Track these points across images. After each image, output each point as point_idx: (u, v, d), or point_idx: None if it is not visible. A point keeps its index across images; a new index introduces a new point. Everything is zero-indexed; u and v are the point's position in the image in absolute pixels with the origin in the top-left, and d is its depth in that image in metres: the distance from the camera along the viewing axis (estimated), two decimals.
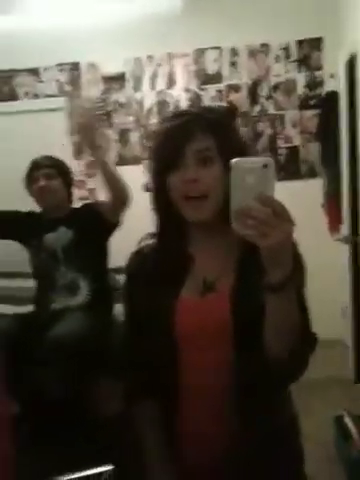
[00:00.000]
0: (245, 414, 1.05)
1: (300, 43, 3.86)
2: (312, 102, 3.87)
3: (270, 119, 3.93)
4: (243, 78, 3.94)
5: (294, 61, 3.87)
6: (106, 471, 1.23)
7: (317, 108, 3.83)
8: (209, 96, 3.95)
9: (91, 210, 2.43)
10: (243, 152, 1.07)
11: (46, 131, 3.92)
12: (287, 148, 3.93)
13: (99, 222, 2.34)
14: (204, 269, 1.09)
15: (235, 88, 3.95)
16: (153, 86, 4.00)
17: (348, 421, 2.52)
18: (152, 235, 1.15)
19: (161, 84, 4.00)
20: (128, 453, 1.20)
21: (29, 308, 2.56)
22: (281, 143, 3.93)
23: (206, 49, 3.94)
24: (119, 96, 4.05)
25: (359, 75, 3.01)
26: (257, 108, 3.93)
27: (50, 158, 2.46)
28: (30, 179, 2.43)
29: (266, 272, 0.88)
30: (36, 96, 4.10)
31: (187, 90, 3.98)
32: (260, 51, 3.90)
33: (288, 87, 3.90)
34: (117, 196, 2.29)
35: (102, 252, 2.46)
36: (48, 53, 3.95)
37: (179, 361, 1.07)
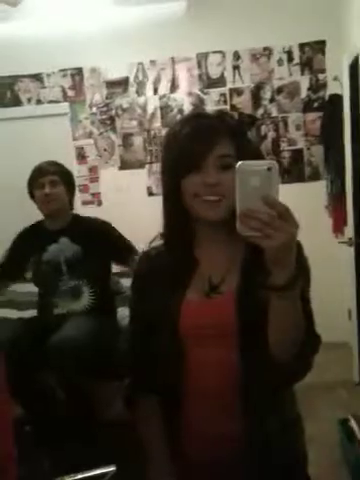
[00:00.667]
0: (249, 414, 1.05)
1: (303, 46, 3.86)
2: (315, 105, 3.87)
3: (273, 122, 3.93)
4: (246, 82, 3.94)
5: (297, 64, 3.87)
6: (109, 472, 1.23)
7: (320, 111, 3.82)
8: (212, 100, 3.96)
9: (98, 229, 2.42)
10: (259, 158, 1.09)
11: (49, 136, 3.93)
12: (291, 151, 3.92)
13: (106, 242, 2.35)
14: (210, 270, 1.10)
15: (238, 92, 3.95)
16: (156, 90, 4.02)
17: (353, 424, 2.50)
18: (161, 235, 1.16)
19: (164, 88, 4.01)
20: (130, 454, 1.20)
21: (32, 312, 2.57)
22: (285, 146, 3.93)
23: (209, 53, 3.95)
24: (122, 101, 4.06)
25: None
26: (260, 111, 3.94)
27: (55, 164, 2.46)
28: (34, 185, 2.42)
29: (270, 273, 0.89)
30: (39, 102, 4.11)
31: (190, 94, 3.98)
32: (263, 54, 3.91)
33: (291, 90, 3.90)
34: None
35: (106, 261, 2.46)
36: (51, 59, 3.97)
37: (184, 361, 1.08)
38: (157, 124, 4.00)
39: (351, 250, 3.30)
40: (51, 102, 4.10)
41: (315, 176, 3.89)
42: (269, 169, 0.86)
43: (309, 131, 3.89)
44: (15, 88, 4.11)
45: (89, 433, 1.97)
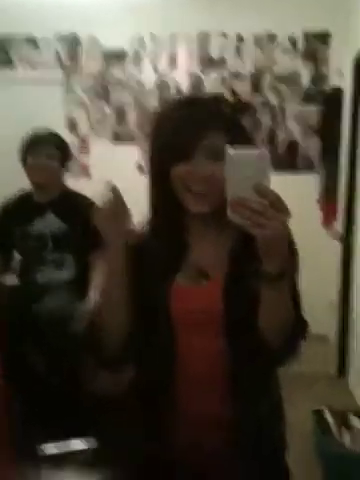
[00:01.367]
0: (237, 399, 1.06)
1: (307, 36, 3.83)
2: (315, 97, 3.84)
3: (271, 110, 3.90)
4: (247, 66, 3.89)
5: (300, 54, 3.84)
6: (88, 443, 1.22)
7: (320, 103, 3.81)
8: (211, 81, 3.89)
9: (86, 210, 2.34)
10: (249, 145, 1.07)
11: (41, 103, 3.81)
12: (286, 141, 3.90)
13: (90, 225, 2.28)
14: (199, 257, 1.09)
15: (238, 76, 3.90)
16: (155, 67, 3.93)
17: (327, 415, 2.52)
18: (147, 222, 1.13)
19: (163, 65, 3.92)
20: (112, 429, 1.23)
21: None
22: (281, 135, 3.90)
23: (211, 33, 3.87)
24: (119, 73, 3.95)
25: None
26: (259, 98, 3.89)
27: (53, 134, 2.36)
28: (29, 152, 2.31)
29: (261, 262, 0.89)
30: (32, 66, 3.97)
31: (189, 73, 3.91)
32: (266, 40, 3.86)
33: (292, 80, 3.86)
34: None
35: (92, 235, 2.40)
36: (47, 23, 3.84)
37: (173, 346, 1.07)
38: (153, 101, 3.92)
39: (338, 244, 3.32)
40: (45, 67, 3.95)
41: (309, 168, 3.88)
42: (260, 157, 0.85)
43: (307, 122, 3.88)
44: (8, 50, 3.95)
45: (74, 405, 1.94)
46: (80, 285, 2.31)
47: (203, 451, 1.08)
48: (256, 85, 3.89)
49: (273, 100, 3.89)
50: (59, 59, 3.97)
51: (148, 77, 3.93)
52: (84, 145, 3.93)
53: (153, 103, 3.91)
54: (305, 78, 3.86)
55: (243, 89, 3.88)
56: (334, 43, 3.77)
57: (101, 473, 1.17)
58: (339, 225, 3.36)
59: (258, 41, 3.86)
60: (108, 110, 3.97)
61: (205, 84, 3.90)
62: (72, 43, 3.95)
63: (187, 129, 1.01)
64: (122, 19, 3.83)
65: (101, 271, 2.27)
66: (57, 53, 3.95)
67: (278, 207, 0.84)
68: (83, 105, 3.97)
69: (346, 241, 3.24)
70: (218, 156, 0.98)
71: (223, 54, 3.89)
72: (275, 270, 0.88)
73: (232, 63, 3.89)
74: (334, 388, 3.13)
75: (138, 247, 1.11)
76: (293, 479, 1.20)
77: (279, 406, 1.17)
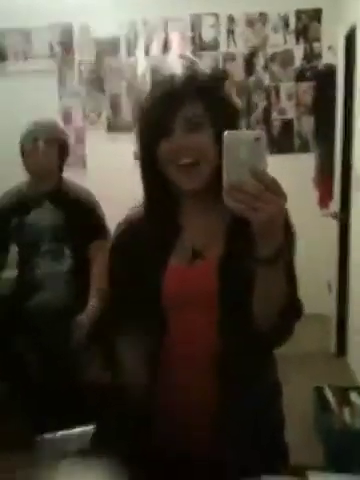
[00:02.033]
0: (230, 379, 1.05)
1: (299, 14, 3.77)
2: (308, 74, 3.80)
3: (265, 90, 3.86)
4: (240, 47, 3.85)
5: (292, 32, 3.79)
6: (88, 429, 1.25)
7: (314, 81, 3.77)
8: (204, 64, 3.86)
9: (82, 204, 2.37)
10: (234, 118, 1.07)
11: (35, 94, 3.82)
12: (281, 120, 3.87)
13: (86, 219, 2.31)
14: (193, 237, 1.08)
15: (231, 57, 3.86)
16: (147, 52, 3.91)
17: (328, 393, 2.55)
18: (141, 204, 1.14)
19: (155, 50, 3.90)
20: (112, 416, 1.20)
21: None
22: (275, 115, 3.87)
23: (202, 15, 3.83)
24: (112, 60, 3.94)
25: (358, 49, 2.95)
26: (252, 79, 3.86)
27: (52, 125, 2.39)
28: (28, 139, 2.34)
29: (256, 245, 0.88)
30: (26, 57, 3.97)
31: (182, 57, 3.88)
32: (258, 20, 3.81)
33: (285, 58, 3.82)
34: None
35: (90, 226, 2.43)
36: (40, 12, 3.83)
37: (166, 328, 1.07)
38: (147, 87, 3.91)
39: (335, 223, 3.32)
40: (38, 58, 3.96)
41: (304, 148, 3.85)
42: (257, 139, 0.83)
43: (301, 101, 3.84)
44: (1, 42, 3.95)
45: (67, 396, 1.98)
46: (78, 276, 2.35)
47: (194, 434, 1.08)
48: (249, 65, 3.86)
49: (267, 80, 3.86)
50: (51, 49, 3.97)
51: (141, 62, 3.92)
52: (79, 136, 3.95)
53: (147, 88, 3.90)
54: (298, 56, 3.81)
55: (237, 70, 3.85)
56: (326, 20, 3.72)
57: (100, 459, 1.19)
58: (335, 204, 3.35)
59: (250, 21, 3.82)
60: (103, 100, 3.97)
61: (199, 67, 3.88)
62: (64, 33, 3.95)
63: (163, 104, 1.02)
64: (113, 6, 3.81)
65: (100, 262, 2.29)
66: (49, 44, 3.95)
67: (274, 191, 0.83)
68: (77, 95, 3.98)
69: (342, 220, 3.23)
70: (197, 127, 1.00)
71: (215, 36, 3.86)
72: (270, 253, 0.88)
73: (224, 44, 3.86)
74: (334, 366, 3.16)
75: (132, 231, 1.13)
76: (294, 457, 1.20)
77: (276, 385, 1.17)
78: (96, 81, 3.97)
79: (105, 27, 3.89)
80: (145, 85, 3.90)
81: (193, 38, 3.88)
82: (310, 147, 3.81)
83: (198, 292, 1.05)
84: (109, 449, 1.16)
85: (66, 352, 2.20)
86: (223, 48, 3.86)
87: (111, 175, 3.73)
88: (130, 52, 3.92)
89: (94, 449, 1.29)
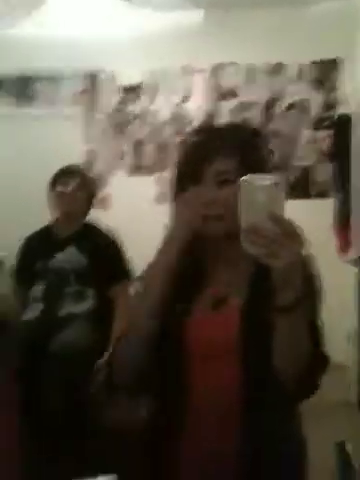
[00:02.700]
0: (253, 432, 1.03)
1: (317, 63, 3.87)
2: (326, 123, 3.87)
3: (283, 138, 3.93)
4: (258, 96, 3.94)
5: (309, 81, 3.88)
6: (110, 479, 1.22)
7: (330, 129, 3.82)
8: (224, 112, 3.96)
9: (106, 246, 2.42)
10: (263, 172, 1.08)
11: (60, 138, 3.93)
12: (299, 167, 3.92)
13: (110, 261, 2.34)
14: (216, 284, 1.09)
15: (250, 105, 3.95)
16: (169, 99, 4.02)
17: (349, 448, 2.47)
18: None
19: (177, 97, 4.01)
20: (129, 463, 1.18)
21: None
22: (293, 162, 3.92)
23: (224, 64, 3.95)
24: (135, 107, 4.06)
25: None
26: (271, 126, 3.94)
27: (82, 169, 2.48)
28: (58, 181, 2.41)
29: (276, 292, 0.87)
30: (53, 103, 4.11)
31: (202, 105, 3.99)
32: (276, 69, 3.92)
33: (302, 107, 3.90)
34: None
35: (113, 269, 2.46)
36: (67, 61, 3.97)
37: (188, 378, 1.06)
38: (168, 133, 4.01)
39: (355, 271, 3.29)
40: (64, 104, 4.09)
41: (322, 193, 3.88)
42: (275, 184, 0.84)
43: (319, 149, 3.89)
44: (30, 88, 4.11)
45: (86, 441, 1.96)
46: (101, 317, 2.36)
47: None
48: (267, 114, 3.94)
49: (284, 128, 3.93)
50: (77, 95, 4.11)
51: (163, 109, 4.03)
52: (102, 179, 4.04)
53: (169, 135, 4.00)
54: (316, 105, 3.89)
55: (255, 118, 3.94)
56: (343, 70, 3.80)
57: None
58: (355, 251, 3.33)
59: (269, 70, 3.92)
60: (126, 144, 4.07)
61: (219, 114, 3.98)
62: (90, 79, 4.09)
63: (197, 155, 1.05)
64: (137, 54, 3.94)
65: (123, 306, 2.29)
66: (75, 90, 4.10)
67: (293, 236, 0.83)
68: (101, 140, 4.09)
69: None
70: (227, 182, 1.02)
71: (235, 84, 3.97)
72: (288, 301, 0.86)
73: (244, 93, 3.96)
74: (355, 418, 3.07)
75: None
76: None
77: (300, 448, 1.12)
78: (119, 126, 4.09)
79: (128, 74, 4.02)
80: (167, 131, 4.00)
81: (213, 87, 3.98)
82: (328, 193, 3.83)
83: (220, 340, 1.04)
84: None
85: (88, 395, 2.19)
86: (242, 97, 3.95)
87: (133, 216, 3.78)
88: (152, 99, 4.04)
89: None
